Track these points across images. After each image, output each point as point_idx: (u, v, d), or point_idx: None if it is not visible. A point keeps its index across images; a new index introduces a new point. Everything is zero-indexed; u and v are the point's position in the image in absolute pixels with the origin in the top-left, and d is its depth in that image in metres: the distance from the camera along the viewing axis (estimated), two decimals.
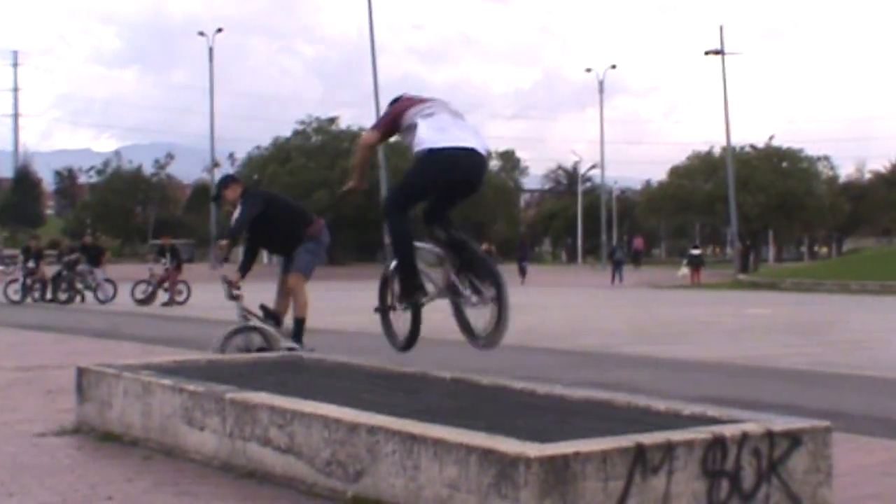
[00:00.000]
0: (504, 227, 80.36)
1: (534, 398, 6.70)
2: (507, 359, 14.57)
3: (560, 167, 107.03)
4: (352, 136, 71.62)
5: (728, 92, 55.11)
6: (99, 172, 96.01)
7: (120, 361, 8.97)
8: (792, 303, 30.19)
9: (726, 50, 56.11)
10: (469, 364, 11.21)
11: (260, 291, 11.38)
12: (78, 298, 29.83)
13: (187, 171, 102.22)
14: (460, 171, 7.12)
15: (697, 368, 13.24)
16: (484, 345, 7.55)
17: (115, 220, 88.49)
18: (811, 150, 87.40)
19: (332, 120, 73.18)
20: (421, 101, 7.46)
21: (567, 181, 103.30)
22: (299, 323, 10.61)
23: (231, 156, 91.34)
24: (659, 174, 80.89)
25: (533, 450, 4.67)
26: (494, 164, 77.52)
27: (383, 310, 8.16)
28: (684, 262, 53.21)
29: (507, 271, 43.10)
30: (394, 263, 7.71)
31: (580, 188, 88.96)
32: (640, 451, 4.86)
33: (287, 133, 74.10)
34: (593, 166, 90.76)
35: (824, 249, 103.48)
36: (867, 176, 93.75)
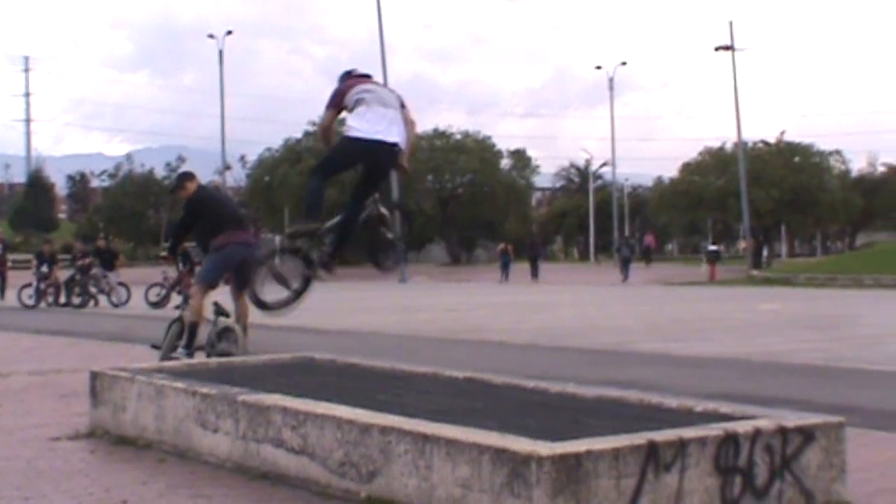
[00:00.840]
0: (516, 225, 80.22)
1: (546, 397, 6.71)
2: (521, 357, 14.59)
3: (572, 165, 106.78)
4: None
5: (739, 87, 55.18)
6: (111, 176, 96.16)
7: (133, 365, 9.00)
8: (805, 298, 30.11)
9: (736, 46, 56.10)
10: (481, 364, 11.23)
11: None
12: (91, 302, 29.90)
13: (199, 174, 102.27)
14: (371, 159, 8.35)
15: (710, 365, 13.22)
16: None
17: (127, 223, 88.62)
18: (823, 145, 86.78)
19: (342, 121, 73.15)
20: (362, 81, 8.60)
21: (578, 179, 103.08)
22: (188, 328, 10.81)
23: (242, 158, 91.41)
24: (670, 171, 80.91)
25: (545, 448, 4.68)
26: (505, 162, 77.38)
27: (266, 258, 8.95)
28: (704, 258, 53.71)
29: (521, 270, 42.83)
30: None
31: (591, 186, 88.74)
32: (652, 449, 4.86)
33: (298, 134, 74.15)
34: (604, 164, 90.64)
35: (838, 244, 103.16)
36: (880, 169, 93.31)
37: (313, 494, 5.70)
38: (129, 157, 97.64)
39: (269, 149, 75.99)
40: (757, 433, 5.18)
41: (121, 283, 30.01)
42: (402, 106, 8.48)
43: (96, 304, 29.85)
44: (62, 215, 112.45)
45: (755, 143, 69.60)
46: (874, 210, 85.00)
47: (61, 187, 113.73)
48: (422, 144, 74.02)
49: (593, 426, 5.42)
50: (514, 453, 4.72)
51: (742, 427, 5.21)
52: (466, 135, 75.19)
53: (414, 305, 28.44)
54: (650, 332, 18.40)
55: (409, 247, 56.99)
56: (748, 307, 25.61)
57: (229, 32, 67.43)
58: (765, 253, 68.37)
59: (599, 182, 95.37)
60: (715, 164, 69.50)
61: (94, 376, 7.92)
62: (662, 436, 4.96)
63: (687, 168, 71.99)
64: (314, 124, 73.26)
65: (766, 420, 5.39)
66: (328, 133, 8.94)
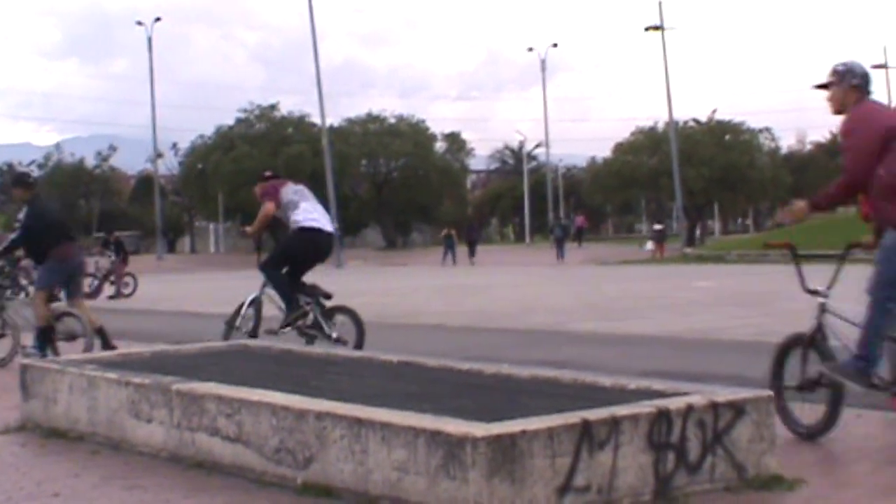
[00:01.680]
0: (451, 208, 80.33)
1: (481, 378, 6.74)
2: (457, 340, 14.63)
3: (506, 147, 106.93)
4: (294, 121, 71.20)
5: (669, 67, 55.62)
6: (40, 166, 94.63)
7: (64, 356, 8.88)
8: (738, 275, 30.52)
9: (666, 25, 56.63)
10: (417, 347, 11.23)
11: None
12: (22, 294, 29.47)
13: (131, 162, 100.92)
14: (314, 246, 10.59)
15: (644, 343, 13.35)
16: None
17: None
18: (753, 123, 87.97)
19: (273, 106, 72.56)
20: (283, 182, 10.89)
21: (513, 161, 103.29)
22: (37, 331, 11.25)
23: (175, 145, 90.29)
24: (604, 151, 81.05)
25: (479, 430, 4.70)
26: (440, 145, 77.30)
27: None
28: (649, 238, 55.24)
29: (459, 253, 42.76)
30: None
31: (526, 167, 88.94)
32: (586, 427, 4.90)
33: (230, 121, 73.49)
34: (538, 145, 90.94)
35: (769, 221, 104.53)
36: (808, 147, 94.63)
37: (249, 482, 5.67)
38: (58, 146, 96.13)
39: (201, 136, 75.22)
40: (689, 409, 5.25)
41: (128, 274, 29.83)
42: None
43: (27, 295, 29.40)
44: None
45: (686, 122, 70.27)
46: (804, 187, 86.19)
47: None
48: (355, 129, 73.81)
49: (528, 406, 5.45)
50: (448, 435, 4.73)
51: (674, 403, 5.27)
52: (400, 119, 75.03)
53: (349, 290, 28.29)
54: (585, 312, 18.53)
55: (344, 231, 56.81)
56: (682, 285, 25.88)
57: (158, 19, 66.56)
58: (697, 231, 69.16)
59: (534, 163, 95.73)
60: (647, 143, 70.09)
61: (24, 369, 7.81)
62: (596, 414, 5.00)
63: (620, 148, 72.57)
64: (245, 111, 72.77)
65: (698, 396, 5.46)
66: (268, 219, 10.73)
